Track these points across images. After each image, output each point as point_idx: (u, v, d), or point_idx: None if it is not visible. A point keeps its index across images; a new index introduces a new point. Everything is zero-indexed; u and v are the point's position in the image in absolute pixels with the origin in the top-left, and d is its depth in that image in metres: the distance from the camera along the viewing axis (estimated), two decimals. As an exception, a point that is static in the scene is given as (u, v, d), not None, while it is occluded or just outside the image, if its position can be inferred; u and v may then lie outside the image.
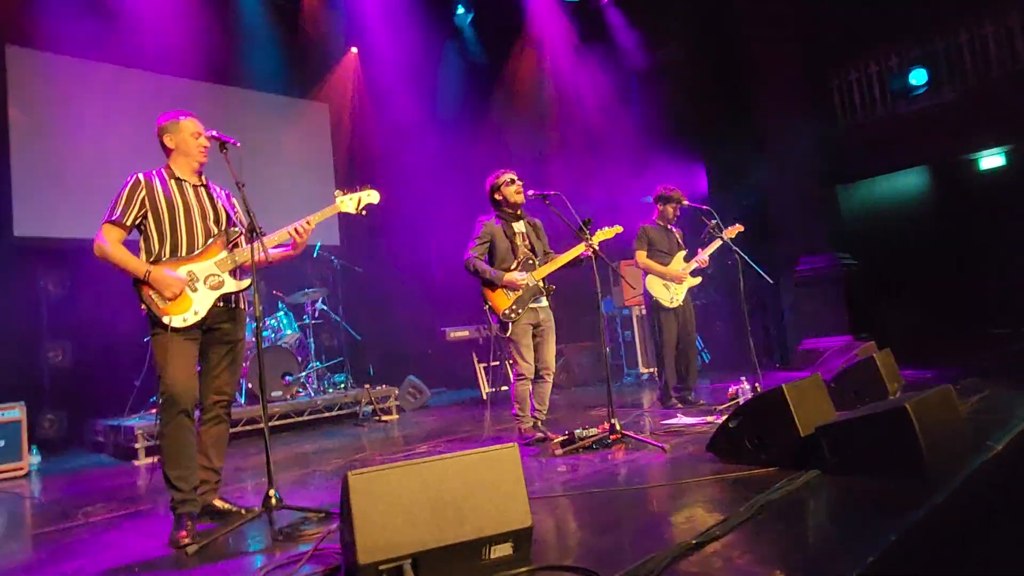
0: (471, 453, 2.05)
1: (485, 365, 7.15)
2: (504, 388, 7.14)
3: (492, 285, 4.07)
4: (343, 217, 3.20)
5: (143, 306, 2.75)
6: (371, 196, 3.22)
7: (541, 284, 4.14)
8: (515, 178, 4.22)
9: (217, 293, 2.83)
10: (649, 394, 6.29)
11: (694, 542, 2.05)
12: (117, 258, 2.74)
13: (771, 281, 4.86)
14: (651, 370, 7.48)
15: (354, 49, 9.13)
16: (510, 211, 4.22)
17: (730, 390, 4.86)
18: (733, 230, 5.06)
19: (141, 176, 2.86)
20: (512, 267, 4.10)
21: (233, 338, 2.95)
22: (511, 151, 8.89)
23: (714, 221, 4.93)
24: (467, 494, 1.97)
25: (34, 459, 5.06)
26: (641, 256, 5.16)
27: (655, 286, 5.12)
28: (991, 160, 7.40)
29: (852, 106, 7.53)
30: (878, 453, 2.55)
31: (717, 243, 5.08)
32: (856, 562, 1.78)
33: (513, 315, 4.02)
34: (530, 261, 4.15)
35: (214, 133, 2.93)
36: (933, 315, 6.79)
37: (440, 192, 8.74)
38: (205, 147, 2.96)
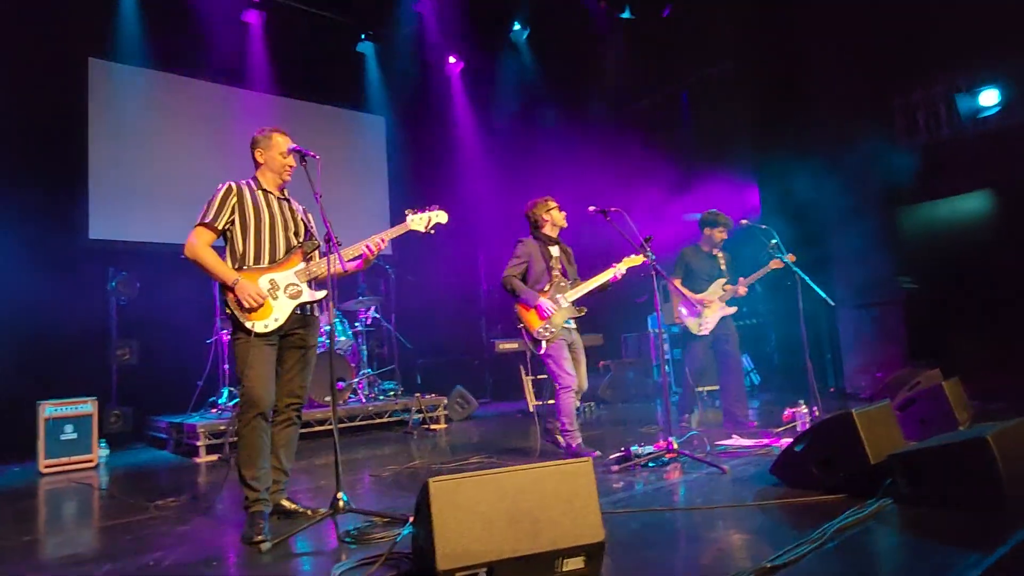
0: (547, 465, 2.08)
1: (532, 378, 7.16)
2: (551, 401, 7.13)
3: (527, 304, 4.17)
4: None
5: (228, 310, 2.87)
6: (440, 216, 3.34)
7: (572, 306, 4.23)
8: (557, 204, 4.37)
9: (296, 302, 2.96)
10: (699, 413, 6.19)
11: (768, 565, 2.03)
12: (207, 261, 2.86)
13: (832, 303, 4.77)
14: (704, 388, 7.38)
15: (413, 64, 9.33)
16: (549, 235, 4.34)
17: (786, 413, 4.77)
18: (787, 258, 4.98)
19: (233, 184, 3.00)
20: (545, 288, 4.22)
21: (307, 344, 3.07)
22: (561, 167, 8.94)
23: (774, 241, 4.87)
24: (543, 506, 2.00)
25: (103, 452, 5.28)
26: (676, 282, 5.14)
27: (683, 312, 5.08)
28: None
29: (915, 126, 7.34)
30: (956, 485, 2.49)
31: (765, 271, 5.02)
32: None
33: (547, 333, 4.14)
34: (562, 284, 4.26)
35: (294, 146, 3.06)
36: (997, 342, 6.54)
37: (491, 204, 8.84)
38: (291, 167, 3.09)
